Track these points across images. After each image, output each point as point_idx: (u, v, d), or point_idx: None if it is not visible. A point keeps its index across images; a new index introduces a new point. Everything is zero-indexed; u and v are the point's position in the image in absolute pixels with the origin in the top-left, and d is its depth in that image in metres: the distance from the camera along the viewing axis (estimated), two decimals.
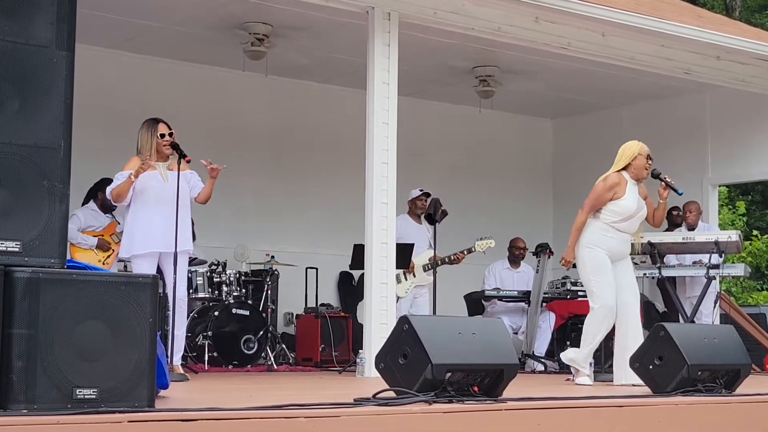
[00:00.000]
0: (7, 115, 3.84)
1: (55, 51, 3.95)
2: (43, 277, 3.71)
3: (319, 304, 10.79)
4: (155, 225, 7.14)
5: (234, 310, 9.55)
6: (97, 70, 10.00)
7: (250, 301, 9.88)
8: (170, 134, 7.25)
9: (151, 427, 3.60)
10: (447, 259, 9.58)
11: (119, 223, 8.79)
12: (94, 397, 3.72)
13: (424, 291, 9.68)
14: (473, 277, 10.83)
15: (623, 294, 7.29)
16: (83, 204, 9.02)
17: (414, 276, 9.57)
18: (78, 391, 3.70)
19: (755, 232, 21.36)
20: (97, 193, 8.97)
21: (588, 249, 7.25)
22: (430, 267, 9.57)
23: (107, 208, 8.93)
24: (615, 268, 7.28)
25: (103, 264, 8.76)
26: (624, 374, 7.03)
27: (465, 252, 9.65)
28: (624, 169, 7.29)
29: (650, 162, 7.30)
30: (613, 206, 7.21)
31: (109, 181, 8.89)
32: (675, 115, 12.24)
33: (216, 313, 9.42)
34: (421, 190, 9.86)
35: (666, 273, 10.25)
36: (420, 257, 9.57)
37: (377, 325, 7.89)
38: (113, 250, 8.85)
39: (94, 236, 8.86)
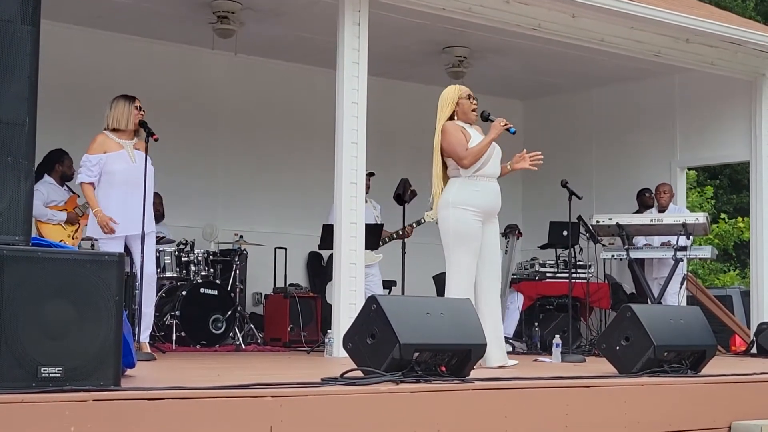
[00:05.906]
0: None
1: (20, 26, 3.90)
2: (8, 254, 3.67)
3: (287, 284, 10.77)
4: (124, 207, 7.11)
5: (202, 290, 9.52)
6: (65, 48, 9.91)
7: (218, 281, 9.86)
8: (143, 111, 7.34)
9: (116, 406, 3.59)
10: (395, 234, 9.52)
11: (79, 196, 8.70)
12: (59, 375, 3.69)
13: (372, 270, 9.48)
14: (443, 257, 10.80)
15: (484, 270, 6.64)
16: (36, 179, 8.87)
17: None
18: (43, 369, 3.67)
19: (723, 215, 21.54)
20: (54, 165, 8.82)
21: (454, 209, 6.50)
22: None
23: (66, 178, 8.82)
24: (483, 233, 6.59)
25: (73, 238, 8.69)
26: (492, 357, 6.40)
27: (414, 224, 9.54)
28: (451, 118, 6.62)
29: (475, 101, 6.64)
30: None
31: (62, 152, 8.80)
32: (644, 98, 12.27)
33: (184, 293, 9.39)
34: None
35: (634, 255, 10.30)
36: None
37: (346, 305, 7.88)
38: (80, 223, 8.78)
39: (62, 210, 8.77)
